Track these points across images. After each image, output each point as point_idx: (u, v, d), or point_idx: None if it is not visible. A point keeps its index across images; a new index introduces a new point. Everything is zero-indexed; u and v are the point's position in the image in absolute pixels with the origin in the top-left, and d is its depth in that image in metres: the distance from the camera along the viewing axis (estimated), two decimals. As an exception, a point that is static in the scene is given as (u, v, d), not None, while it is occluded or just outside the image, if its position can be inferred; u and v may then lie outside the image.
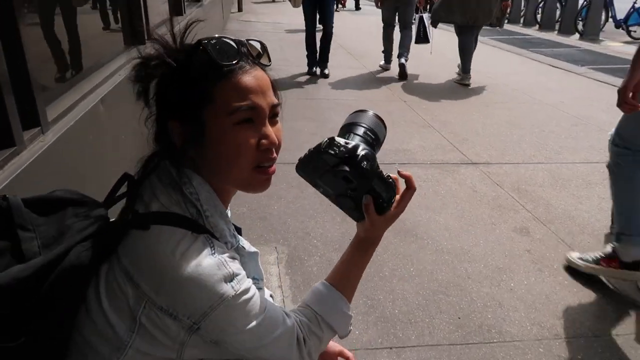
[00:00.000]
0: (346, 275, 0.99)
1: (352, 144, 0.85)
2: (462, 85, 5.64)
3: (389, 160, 3.44)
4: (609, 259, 2.13)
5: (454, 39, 5.70)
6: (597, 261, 2.17)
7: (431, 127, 4.20)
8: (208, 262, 0.75)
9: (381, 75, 6.14)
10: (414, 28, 5.93)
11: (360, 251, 0.98)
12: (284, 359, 0.88)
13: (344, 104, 4.74)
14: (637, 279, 2.12)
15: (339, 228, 2.55)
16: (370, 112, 0.97)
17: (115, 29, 2.80)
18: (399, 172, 0.96)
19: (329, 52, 5.87)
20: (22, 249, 0.77)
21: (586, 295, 2.11)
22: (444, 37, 7.22)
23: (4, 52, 1.27)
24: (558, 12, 11.15)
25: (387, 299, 2.04)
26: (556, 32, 10.67)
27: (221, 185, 0.86)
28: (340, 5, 12.92)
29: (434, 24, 5.67)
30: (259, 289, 0.87)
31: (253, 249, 0.95)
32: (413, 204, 2.78)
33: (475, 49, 5.70)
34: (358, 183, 0.85)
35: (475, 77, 5.73)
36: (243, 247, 0.91)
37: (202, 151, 0.81)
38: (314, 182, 0.89)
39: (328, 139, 0.85)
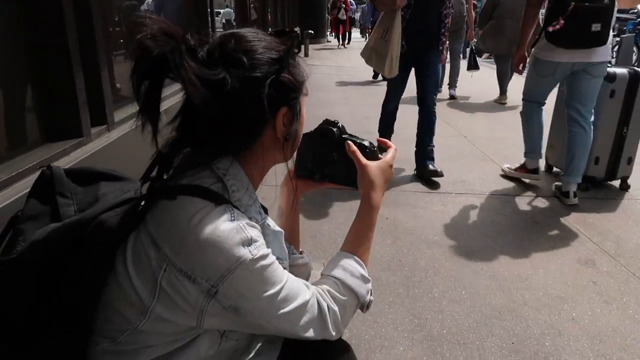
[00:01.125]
0: (357, 240, 1.01)
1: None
2: (500, 104, 6.51)
3: (445, 190, 3.38)
4: (522, 168, 3.49)
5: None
6: (516, 169, 3.52)
7: (491, 160, 4.09)
8: (226, 226, 0.77)
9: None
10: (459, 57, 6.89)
11: (365, 212, 1.01)
12: (305, 330, 0.87)
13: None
14: (536, 179, 3.47)
15: (388, 250, 2.51)
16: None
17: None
18: (377, 140, 1.11)
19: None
20: (60, 213, 0.85)
21: (661, 331, 1.91)
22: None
23: (82, 68, 1.44)
24: (635, 57, 10.68)
25: (436, 319, 1.96)
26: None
27: (257, 169, 0.92)
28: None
29: (479, 54, 6.76)
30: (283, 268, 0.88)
31: (278, 229, 0.97)
32: (466, 230, 2.72)
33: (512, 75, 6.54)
34: (337, 138, 1.02)
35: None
36: (268, 225, 0.93)
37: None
38: (311, 171, 1.05)
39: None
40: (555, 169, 3.72)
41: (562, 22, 2.67)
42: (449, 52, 6.41)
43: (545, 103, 3.31)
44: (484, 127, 5.40)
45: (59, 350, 0.80)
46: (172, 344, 0.84)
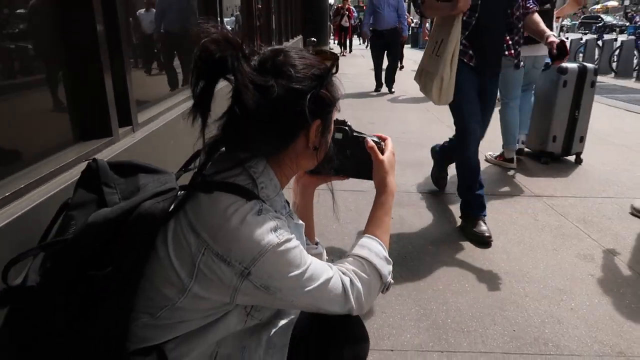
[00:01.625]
0: (378, 223, 1.12)
1: None
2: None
3: (448, 191, 3.49)
4: (500, 156, 4.06)
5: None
6: (496, 157, 4.09)
7: (492, 163, 4.19)
8: (255, 217, 0.89)
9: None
10: None
11: (383, 198, 1.14)
12: (329, 305, 0.97)
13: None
14: (512, 167, 3.97)
15: (394, 246, 2.61)
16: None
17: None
18: (375, 135, 1.21)
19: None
20: (106, 201, 0.95)
21: (655, 319, 2.01)
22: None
23: (112, 72, 1.57)
24: (636, 60, 10.81)
25: (440, 309, 2.06)
26: (634, 79, 10.29)
27: (284, 172, 1.03)
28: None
29: None
30: None
31: (299, 222, 1.09)
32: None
33: None
34: (351, 138, 1.16)
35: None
36: (291, 217, 1.05)
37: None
38: (325, 167, 1.15)
39: None
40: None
41: None
42: None
43: (517, 101, 3.92)
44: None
45: (101, 326, 0.89)
46: (205, 319, 0.95)
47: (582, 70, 3.96)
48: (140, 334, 0.95)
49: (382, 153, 1.17)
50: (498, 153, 4.11)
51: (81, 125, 1.50)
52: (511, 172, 3.92)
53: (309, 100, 0.93)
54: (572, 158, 4.22)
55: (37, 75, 1.40)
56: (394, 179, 1.17)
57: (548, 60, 3.53)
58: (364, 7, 9.92)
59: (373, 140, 1.16)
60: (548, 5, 3.72)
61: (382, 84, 8.06)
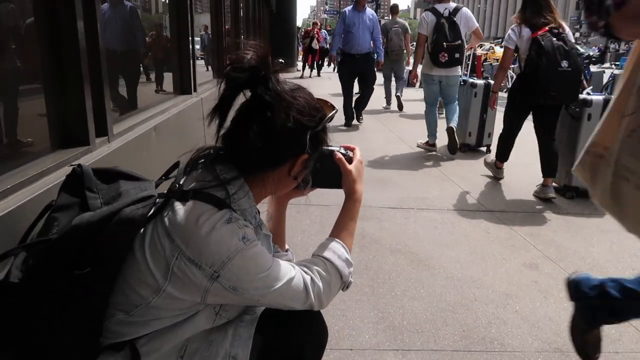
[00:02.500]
0: (343, 227, 1.23)
1: None
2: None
3: (407, 206, 3.68)
4: (426, 143, 5.49)
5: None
6: (424, 143, 5.49)
7: (450, 180, 4.44)
8: (225, 226, 0.98)
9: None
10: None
11: (351, 205, 1.25)
12: (292, 301, 1.07)
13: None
14: (434, 151, 5.44)
15: (356, 256, 2.75)
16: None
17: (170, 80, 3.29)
18: (342, 146, 1.30)
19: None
20: (89, 205, 1.03)
21: (589, 319, 2.21)
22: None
23: (91, 86, 1.67)
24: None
25: (397, 312, 2.21)
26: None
27: (259, 191, 1.13)
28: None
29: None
30: None
31: (268, 233, 1.19)
32: (427, 239, 3.01)
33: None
34: (320, 152, 1.18)
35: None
36: (260, 228, 1.15)
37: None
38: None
39: None
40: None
41: (445, 54, 4.95)
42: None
43: (437, 105, 5.50)
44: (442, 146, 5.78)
45: (77, 322, 0.97)
46: (177, 317, 1.04)
47: (487, 85, 5.39)
48: (114, 329, 1.02)
49: (350, 162, 1.27)
50: (423, 141, 5.56)
51: (61, 134, 1.59)
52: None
53: (309, 136, 1.06)
54: (484, 149, 5.70)
55: (24, 86, 1.50)
56: (361, 186, 1.27)
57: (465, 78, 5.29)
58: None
59: (340, 152, 1.27)
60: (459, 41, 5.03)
61: (352, 117, 7.03)
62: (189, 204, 1.00)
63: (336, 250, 1.18)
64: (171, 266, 0.97)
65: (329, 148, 1.26)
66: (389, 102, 9.07)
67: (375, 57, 7.32)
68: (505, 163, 4.37)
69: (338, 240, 1.21)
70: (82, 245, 0.93)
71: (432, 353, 1.92)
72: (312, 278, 1.10)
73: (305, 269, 1.12)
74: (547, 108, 3.81)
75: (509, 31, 3.95)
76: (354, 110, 7.07)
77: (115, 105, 2.02)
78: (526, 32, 3.75)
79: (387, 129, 6.99)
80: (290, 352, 1.13)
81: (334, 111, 1.14)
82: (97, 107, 1.74)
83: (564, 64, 3.53)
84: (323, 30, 17.75)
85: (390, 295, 2.36)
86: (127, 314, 1.01)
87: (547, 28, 3.65)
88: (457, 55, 4.96)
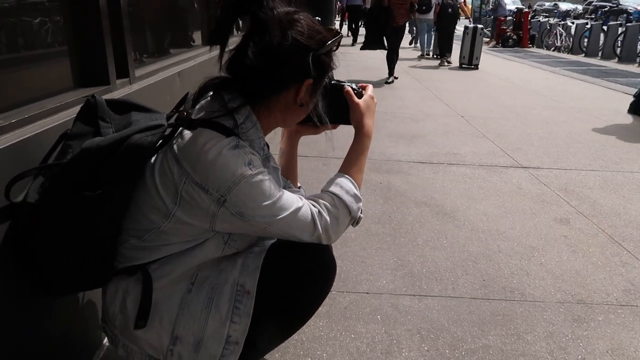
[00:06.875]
0: (352, 162, 1.21)
1: None
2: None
3: (437, 161, 3.60)
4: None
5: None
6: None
7: (485, 137, 4.30)
8: (231, 152, 0.99)
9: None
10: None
11: (359, 139, 1.22)
12: (300, 231, 1.07)
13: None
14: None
15: (380, 207, 2.74)
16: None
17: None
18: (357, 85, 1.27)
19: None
20: (101, 133, 1.07)
21: (618, 273, 2.14)
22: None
23: (110, 34, 1.69)
24: (639, 46, 10.77)
25: (417, 261, 2.20)
26: (637, 64, 10.27)
27: (266, 121, 1.12)
28: None
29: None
30: None
31: (276, 166, 1.19)
32: (454, 193, 2.96)
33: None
34: (330, 87, 1.20)
35: (540, 101, 5.84)
36: (268, 160, 1.14)
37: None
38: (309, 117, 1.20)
39: None
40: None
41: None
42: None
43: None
44: (481, 107, 5.59)
45: (89, 242, 1.01)
46: (187, 243, 1.07)
47: (475, 28, 8.95)
48: (127, 254, 1.07)
49: (361, 97, 1.24)
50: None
51: (82, 74, 1.62)
52: None
53: (311, 58, 1.03)
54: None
55: (47, 25, 1.53)
56: (371, 121, 1.24)
57: None
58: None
59: (351, 87, 1.24)
60: None
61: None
62: (197, 132, 1.01)
63: (344, 186, 1.16)
64: (180, 190, 0.99)
65: (341, 82, 1.24)
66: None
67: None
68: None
69: (346, 176, 1.19)
70: (93, 168, 0.97)
71: (450, 299, 1.91)
72: (319, 211, 1.10)
73: (313, 202, 1.12)
74: None
75: None
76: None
77: (138, 49, 2.04)
78: None
79: (424, 86, 6.80)
80: (292, 280, 1.14)
81: (338, 36, 1.10)
82: (118, 49, 1.76)
83: None
84: None
85: (411, 244, 2.34)
86: (139, 239, 1.06)
87: None
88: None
